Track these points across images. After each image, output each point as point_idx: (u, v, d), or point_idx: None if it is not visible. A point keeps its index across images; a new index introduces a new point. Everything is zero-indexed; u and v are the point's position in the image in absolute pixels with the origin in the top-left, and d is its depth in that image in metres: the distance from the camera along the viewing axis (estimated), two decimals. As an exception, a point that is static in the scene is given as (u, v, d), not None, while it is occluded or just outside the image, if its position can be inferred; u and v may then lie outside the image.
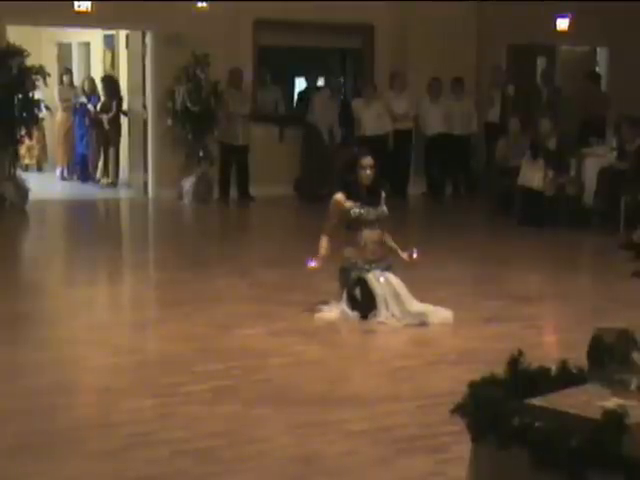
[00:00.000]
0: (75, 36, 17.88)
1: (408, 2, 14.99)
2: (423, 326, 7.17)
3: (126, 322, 7.64)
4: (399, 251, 7.73)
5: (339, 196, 7.56)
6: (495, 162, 13.89)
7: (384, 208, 7.63)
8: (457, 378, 5.14)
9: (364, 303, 7.34)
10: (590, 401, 3.23)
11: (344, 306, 7.42)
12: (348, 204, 7.52)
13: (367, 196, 7.57)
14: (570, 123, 14.40)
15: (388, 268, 7.51)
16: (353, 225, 7.54)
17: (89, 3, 13.62)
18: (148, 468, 4.50)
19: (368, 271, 7.42)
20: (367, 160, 7.58)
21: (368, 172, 7.55)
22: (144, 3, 13.54)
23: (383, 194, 7.70)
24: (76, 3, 13.60)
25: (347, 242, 7.60)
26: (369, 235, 7.53)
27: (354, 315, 7.34)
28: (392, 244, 7.79)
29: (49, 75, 13.67)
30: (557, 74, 17.26)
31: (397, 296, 7.28)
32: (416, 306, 7.30)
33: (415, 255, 7.67)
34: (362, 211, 7.50)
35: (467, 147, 15.57)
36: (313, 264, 7.51)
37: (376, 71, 15.50)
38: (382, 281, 7.35)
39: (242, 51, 14.57)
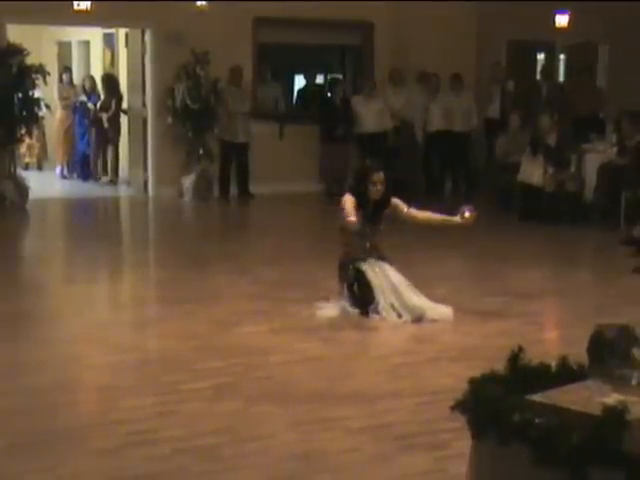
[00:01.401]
0: (75, 35, 17.88)
1: (407, -1, 14.99)
2: (420, 322, 7.17)
3: (126, 320, 7.64)
4: (450, 218, 7.66)
5: (351, 197, 7.53)
6: (495, 158, 13.88)
7: (381, 227, 7.58)
8: (457, 375, 5.14)
9: (363, 298, 7.34)
10: (591, 397, 3.23)
11: (345, 303, 7.42)
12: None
13: (372, 210, 7.53)
14: (567, 119, 14.39)
15: (382, 258, 7.51)
16: (349, 230, 7.53)
17: (89, 2, 13.59)
18: (149, 466, 4.51)
19: (364, 260, 7.42)
20: (378, 176, 7.49)
21: (379, 187, 7.50)
22: (143, 2, 13.53)
23: (393, 200, 7.63)
24: (75, 2, 13.56)
25: (342, 243, 7.62)
26: (362, 241, 7.54)
27: (354, 312, 7.35)
28: (438, 217, 7.76)
29: (49, 74, 13.65)
30: (559, 70, 17.23)
31: (395, 290, 7.29)
32: (415, 300, 7.29)
33: (467, 213, 7.49)
34: (359, 227, 7.44)
35: (467, 143, 15.52)
36: (353, 219, 7.29)
37: (376, 68, 15.50)
38: (377, 271, 7.35)
39: (242, 49, 14.56)
